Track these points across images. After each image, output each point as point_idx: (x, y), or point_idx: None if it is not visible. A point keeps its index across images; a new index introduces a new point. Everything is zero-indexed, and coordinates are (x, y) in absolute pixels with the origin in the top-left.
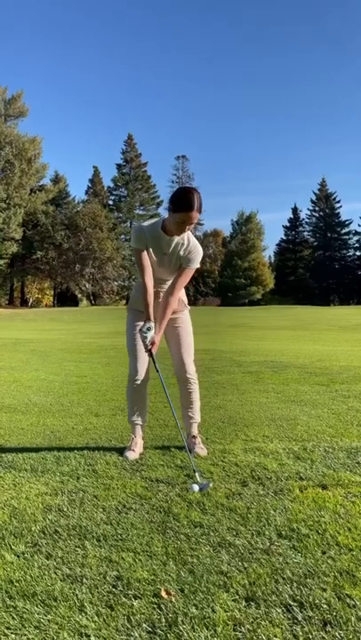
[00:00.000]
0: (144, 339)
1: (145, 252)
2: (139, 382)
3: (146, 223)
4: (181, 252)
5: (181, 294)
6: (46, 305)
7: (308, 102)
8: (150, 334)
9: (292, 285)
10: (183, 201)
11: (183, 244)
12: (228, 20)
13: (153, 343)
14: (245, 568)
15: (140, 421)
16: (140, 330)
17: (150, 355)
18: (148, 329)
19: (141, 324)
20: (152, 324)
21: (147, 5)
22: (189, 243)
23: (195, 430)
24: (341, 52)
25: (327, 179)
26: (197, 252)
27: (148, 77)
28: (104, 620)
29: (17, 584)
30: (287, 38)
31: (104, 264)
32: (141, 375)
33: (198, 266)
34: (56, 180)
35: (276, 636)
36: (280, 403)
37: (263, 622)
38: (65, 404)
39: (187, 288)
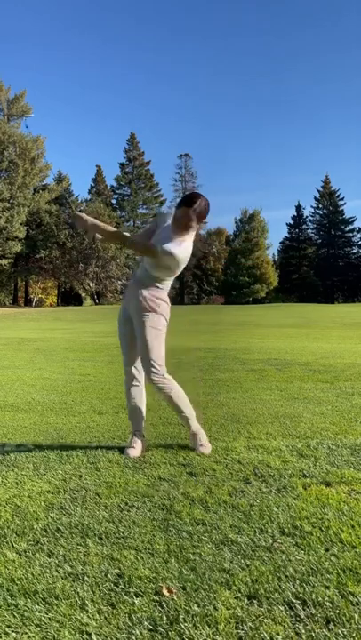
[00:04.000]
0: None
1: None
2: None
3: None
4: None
5: (149, 298)
6: (50, 304)
7: (311, 98)
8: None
9: (295, 283)
10: (186, 198)
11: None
12: (229, 16)
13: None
14: (248, 566)
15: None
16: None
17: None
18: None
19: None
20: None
21: (149, 2)
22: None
23: (190, 428)
24: (347, 51)
25: (331, 176)
26: (171, 248)
27: (151, 75)
28: (105, 617)
29: (18, 582)
30: (291, 35)
31: (108, 263)
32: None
33: (165, 255)
34: (59, 179)
35: (278, 634)
36: (284, 400)
37: (265, 620)
38: (68, 402)
39: (190, 286)
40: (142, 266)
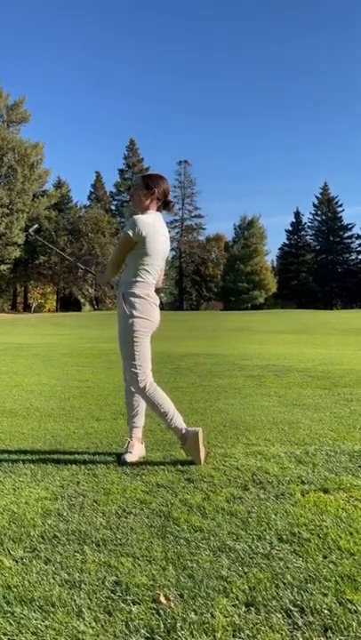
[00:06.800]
0: None
1: None
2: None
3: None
4: None
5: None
6: (49, 310)
7: (310, 104)
8: None
9: (294, 289)
10: None
11: None
12: (228, 19)
13: None
14: (246, 573)
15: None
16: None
17: None
18: None
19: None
20: None
21: (147, 10)
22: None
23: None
24: (348, 56)
25: (329, 182)
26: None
27: (150, 82)
28: (102, 625)
29: (15, 589)
30: (291, 40)
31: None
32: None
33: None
34: (58, 185)
35: None
36: (282, 406)
37: (263, 628)
38: (66, 408)
39: (188, 292)
40: None
